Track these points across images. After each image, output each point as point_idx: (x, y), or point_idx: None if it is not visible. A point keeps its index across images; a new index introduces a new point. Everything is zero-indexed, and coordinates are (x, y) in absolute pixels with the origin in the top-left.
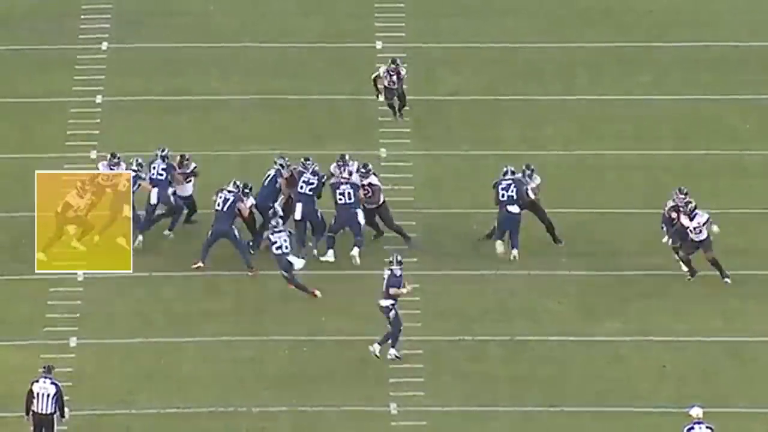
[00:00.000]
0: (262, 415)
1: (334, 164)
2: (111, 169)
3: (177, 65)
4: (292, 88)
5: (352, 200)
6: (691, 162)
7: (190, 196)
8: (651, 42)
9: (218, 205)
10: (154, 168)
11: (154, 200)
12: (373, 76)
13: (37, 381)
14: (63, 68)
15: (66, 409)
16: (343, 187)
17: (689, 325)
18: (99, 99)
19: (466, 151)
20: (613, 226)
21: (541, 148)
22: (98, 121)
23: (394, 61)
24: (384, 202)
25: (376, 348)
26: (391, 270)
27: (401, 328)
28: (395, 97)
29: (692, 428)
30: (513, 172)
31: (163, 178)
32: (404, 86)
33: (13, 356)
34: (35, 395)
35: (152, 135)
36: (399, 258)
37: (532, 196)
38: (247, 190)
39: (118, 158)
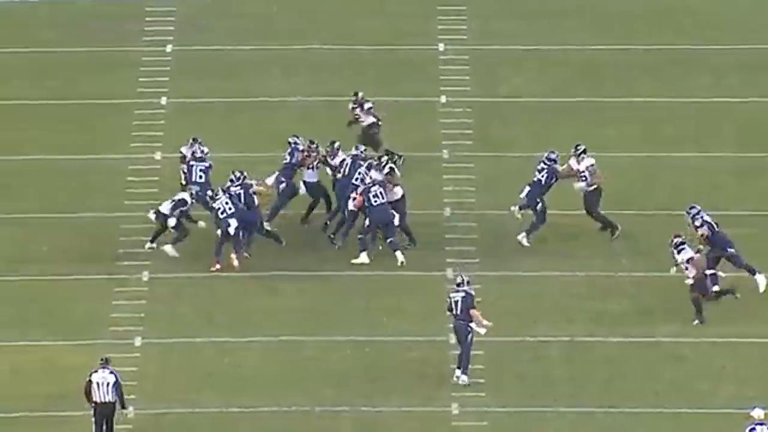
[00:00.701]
0: (324, 415)
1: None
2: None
3: (240, 67)
4: (354, 89)
5: (385, 198)
6: (749, 164)
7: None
8: (710, 45)
9: (233, 204)
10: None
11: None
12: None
13: (95, 371)
14: (128, 70)
15: (128, 406)
16: (374, 188)
17: (748, 327)
18: (164, 101)
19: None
20: (673, 228)
21: (602, 150)
22: (162, 122)
23: (356, 94)
24: (403, 196)
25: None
26: (466, 291)
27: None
28: (376, 133)
29: (754, 429)
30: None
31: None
32: (376, 119)
33: (78, 356)
34: (95, 385)
35: (216, 136)
36: (467, 278)
37: (583, 185)
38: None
39: (195, 140)
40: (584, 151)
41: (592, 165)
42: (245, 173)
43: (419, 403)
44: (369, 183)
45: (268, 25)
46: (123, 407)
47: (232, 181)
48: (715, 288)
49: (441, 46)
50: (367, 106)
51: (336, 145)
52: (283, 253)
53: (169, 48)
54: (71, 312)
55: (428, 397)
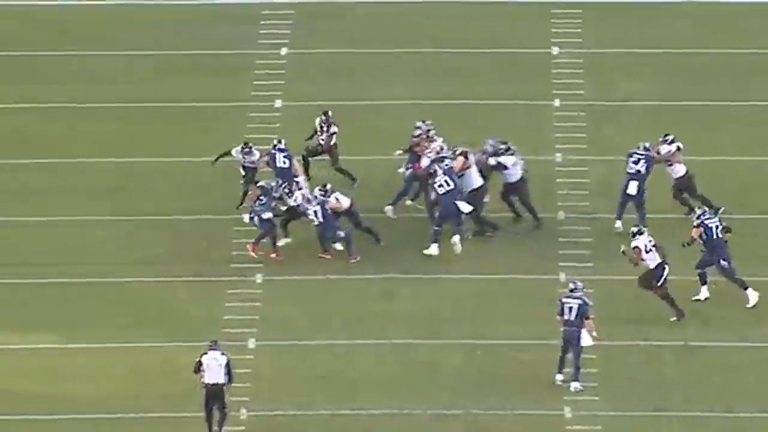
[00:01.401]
0: (436, 419)
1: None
2: (243, 157)
3: (354, 70)
4: (468, 93)
5: (452, 186)
6: None
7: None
8: None
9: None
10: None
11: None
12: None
13: (206, 353)
14: (243, 73)
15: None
16: (438, 178)
17: None
18: (278, 103)
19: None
20: None
21: (715, 154)
22: (277, 125)
23: (325, 113)
24: (482, 186)
25: (560, 377)
26: (582, 299)
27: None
28: (319, 153)
29: None
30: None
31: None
32: (333, 142)
33: (193, 357)
34: (206, 366)
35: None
36: (581, 284)
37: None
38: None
39: (250, 146)
40: (673, 140)
41: (679, 149)
42: (329, 186)
43: (532, 406)
44: (436, 172)
45: (381, 29)
46: (230, 382)
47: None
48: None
49: (555, 50)
50: (332, 129)
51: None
52: (400, 255)
53: (284, 51)
54: (186, 314)
55: (541, 401)
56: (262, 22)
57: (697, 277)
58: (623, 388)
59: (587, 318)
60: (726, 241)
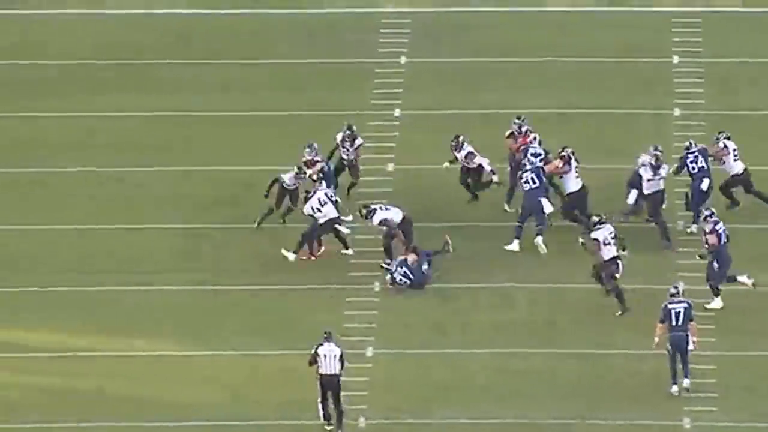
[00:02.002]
0: (554, 428)
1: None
2: (297, 182)
3: (474, 79)
4: (589, 102)
5: (538, 184)
6: None
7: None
8: None
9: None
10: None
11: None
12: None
13: (321, 345)
14: (361, 81)
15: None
16: (525, 174)
17: None
18: (397, 112)
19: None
20: None
21: None
22: (396, 134)
23: (350, 128)
24: (581, 189)
25: (675, 388)
26: (687, 302)
27: None
28: (346, 168)
29: None
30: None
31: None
32: (358, 157)
33: (304, 363)
34: (322, 357)
35: (449, 149)
36: (682, 289)
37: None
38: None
39: (304, 172)
40: (728, 137)
41: (726, 147)
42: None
43: (650, 416)
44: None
45: (501, 37)
46: (341, 368)
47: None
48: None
49: (675, 59)
50: (357, 142)
51: (460, 138)
52: (519, 263)
53: (403, 60)
54: (305, 321)
55: (659, 411)
56: (381, 31)
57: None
58: (741, 398)
59: (691, 320)
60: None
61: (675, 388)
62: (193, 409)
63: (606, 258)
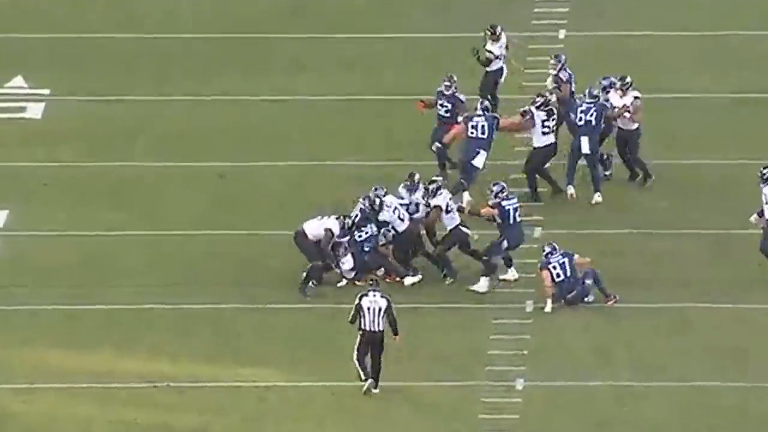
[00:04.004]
0: None
1: None
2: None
3: (637, 55)
4: (755, 84)
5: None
6: None
7: None
8: None
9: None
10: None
11: None
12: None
13: (366, 295)
14: (515, 57)
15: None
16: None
17: None
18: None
19: None
20: None
21: None
22: None
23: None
24: None
25: None
26: None
27: None
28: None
29: None
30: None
31: None
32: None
33: (450, 398)
34: (365, 310)
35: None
36: None
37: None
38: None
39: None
40: (631, 84)
41: (637, 98)
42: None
43: None
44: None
45: (671, 8)
46: (395, 333)
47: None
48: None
49: None
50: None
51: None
52: (694, 278)
53: (562, 34)
54: (441, 347)
55: None
56: (536, 2)
57: None
58: None
59: None
60: None
61: None
62: None
63: (450, 227)
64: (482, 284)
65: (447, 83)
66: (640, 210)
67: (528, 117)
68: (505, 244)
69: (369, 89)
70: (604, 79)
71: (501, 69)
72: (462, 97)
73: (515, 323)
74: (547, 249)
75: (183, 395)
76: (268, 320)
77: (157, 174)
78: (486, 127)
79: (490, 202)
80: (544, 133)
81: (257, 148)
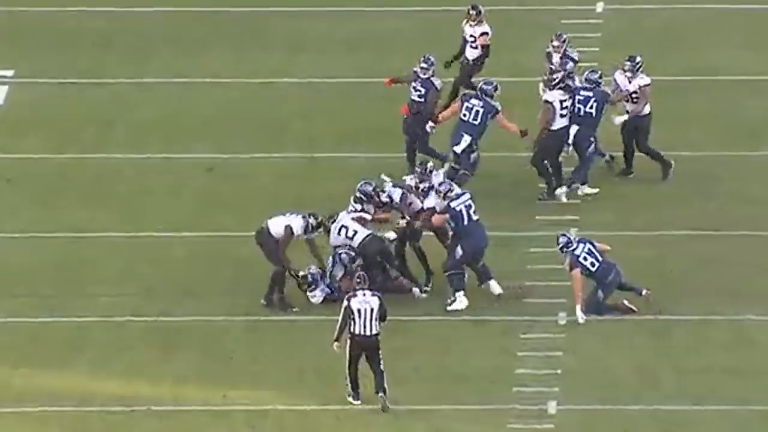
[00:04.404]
0: None
1: None
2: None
3: (679, 32)
4: None
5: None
6: None
7: None
8: None
9: None
10: None
11: None
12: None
13: (354, 295)
14: (550, 34)
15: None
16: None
17: None
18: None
19: None
20: None
21: None
22: None
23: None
24: None
25: None
26: None
27: None
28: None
29: None
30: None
31: None
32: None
33: (473, 423)
34: (356, 313)
35: (672, 118)
36: None
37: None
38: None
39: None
40: (641, 66)
41: (647, 85)
42: None
43: None
44: None
45: None
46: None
47: None
48: None
49: None
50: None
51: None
52: (754, 287)
53: (600, 7)
54: (463, 365)
55: None
56: None
57: None
58: None
59: None
60: None
61: None
62: None
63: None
64: (459, 301)
65: (424, 65)
66: (687, 209)
67: (548, 107)
68: (459, 252)
69: (377, 71)
70: (628, 59)
71: (479, 60)
72: (438, 82)
73: (546, 338)
74: (563, 240)
75: (165, 421)
76: (264, 335)
77: (136, 167)
78: (481, 114)
79: (437, 208)
80: (561, 115)
81: (250, 138)
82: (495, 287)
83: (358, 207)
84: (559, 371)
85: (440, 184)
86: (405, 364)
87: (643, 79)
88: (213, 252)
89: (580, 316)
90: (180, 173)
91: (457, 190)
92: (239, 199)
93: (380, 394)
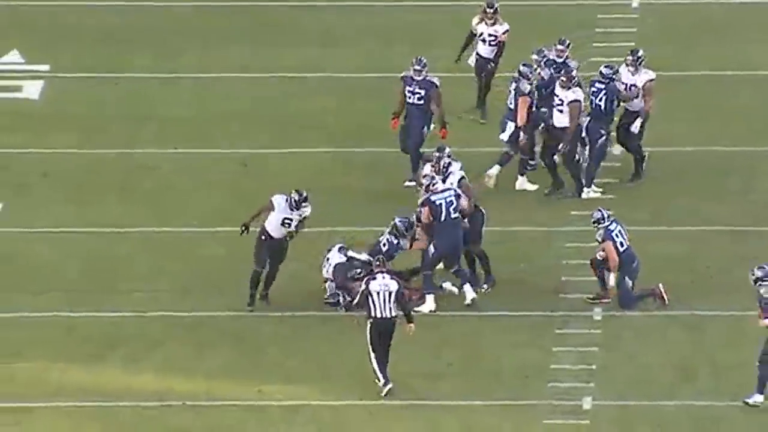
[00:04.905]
0: None
1: None
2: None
3: (715, 28)
4: None
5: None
6: None
7: None
8: None
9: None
10: None
11: None
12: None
13: (374, 278)
14: (582, 30)
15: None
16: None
17: None
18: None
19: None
20: None
21: None
22: None
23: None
24: None
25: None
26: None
27: None
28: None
29: None
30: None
31: None
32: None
33: (507, 419)
34: (375, 295)
35: (693, 114)
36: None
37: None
38: None
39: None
40: (642, 60)
41: (652, 80)
42: None
43: None
44: None
45: None
46: (409, 321)
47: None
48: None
49: None
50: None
51: None
52: None
53: (636, 2)
54: (496, 360)
55: None
56: None
57: None
58: None
59: None
60: None
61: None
62: None
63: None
64: (427, 303)
65: (418, 67)
66: (723, 205)
67: (576, 105)
68: (431, 249)
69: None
70: (631, 53)
71: (497, 56)
72: (436, 80)
73: (582, 333)
74: (597, 215)
75: (199, 415)
76: (297, 330)
77: (169, 162)
78: (512, 96)
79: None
80: (560, 111)
81: (283, 133)
82: (469, 293)
83: (394, 240)
84: (594, 367)
85: (424, 177)
86: (438, 360)
87: (647, 74)
88: (245, 248)
89: (612, 284)
90: (211, 168)
91: (440, 185)
92: (271, 195)
93: (390, 385)
